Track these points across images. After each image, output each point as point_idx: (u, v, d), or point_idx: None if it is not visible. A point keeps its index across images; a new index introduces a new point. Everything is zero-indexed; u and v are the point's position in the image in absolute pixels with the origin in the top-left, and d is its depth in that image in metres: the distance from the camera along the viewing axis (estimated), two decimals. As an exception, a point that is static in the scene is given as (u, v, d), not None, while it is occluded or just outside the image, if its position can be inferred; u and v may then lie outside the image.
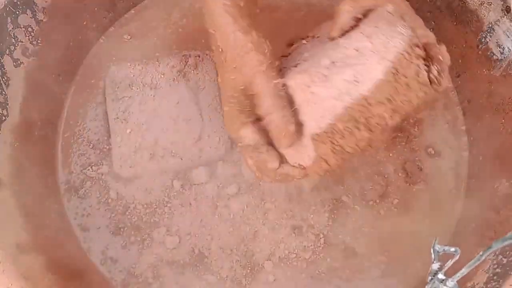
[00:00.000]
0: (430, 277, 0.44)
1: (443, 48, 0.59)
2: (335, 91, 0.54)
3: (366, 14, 0.58)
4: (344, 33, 0.58)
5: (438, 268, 0.43)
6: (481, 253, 0.40)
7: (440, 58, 0.57)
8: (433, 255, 0.44)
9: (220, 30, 0.55)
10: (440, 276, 0.43)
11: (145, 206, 0.73)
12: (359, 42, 0.55)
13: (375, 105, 0.54)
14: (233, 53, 0.55)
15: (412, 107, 0.56)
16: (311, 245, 0.71)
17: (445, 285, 0.42)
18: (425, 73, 0.55)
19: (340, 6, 0.58)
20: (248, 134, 0.58)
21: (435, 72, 0.57)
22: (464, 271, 0.41)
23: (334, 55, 0.56)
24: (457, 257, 0.42)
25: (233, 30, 0.54)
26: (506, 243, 0.40)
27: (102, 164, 0.75)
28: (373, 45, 0.54)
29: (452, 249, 0.43)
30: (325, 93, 0.55)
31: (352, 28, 0.58)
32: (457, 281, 0.42)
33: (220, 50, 0.56)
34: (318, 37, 0.64)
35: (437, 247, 0.44)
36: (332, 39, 0.59)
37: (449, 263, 0.43)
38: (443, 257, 0.44)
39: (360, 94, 0.53)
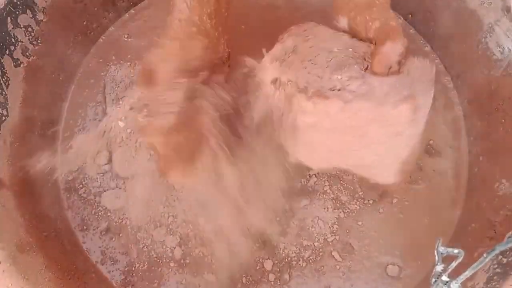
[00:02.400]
0: (433, 279, 0.44)
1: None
2: None
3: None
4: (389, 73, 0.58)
5: (442, 270, 0.43)
6: (484, 255, 0.40)
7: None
8: (436, 257, 0.44)
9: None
10: (444, 278, 0.43)
11: (145, 205, 0.73)
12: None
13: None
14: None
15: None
16: (311, 244, 0.71)
17: (448, 287, 0.42)
18: None
19: (394, 44, 0.56)
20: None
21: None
22: (468, 273, 0.41)
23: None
24: (460, 259, 0.42)
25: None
26: (509, 245, 0.40)
27: (102, 164, 0.75)
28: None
29: (456, 250, 0.43)
30: None
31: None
32: (462, 282, 0.42)
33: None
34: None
35: (441, 248, 0.44)
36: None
37: (453, 264, 0.43)
38: (445, 259, 0.44)
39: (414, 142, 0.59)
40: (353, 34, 0.61)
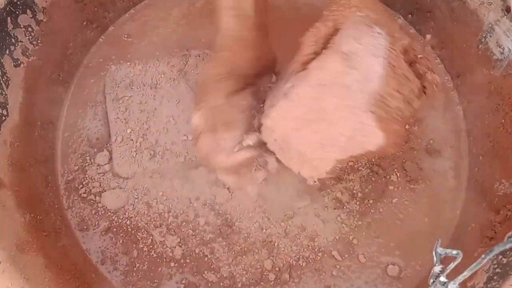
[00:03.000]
0: (432, 280, 0.44)
1: (417, 46, 0.59)
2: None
3: (334, 32, 0.58)
4: (310, 60, 0.58)
5: (440, 271, 0.43)
6: (483, 256, 0.40)
7: (420, 56, 0.58)
8: (435, 258, 0.44)
9: None
10: (442, 279, 0.43)
11: (145, 205, 0.73)
12: (348, 45, 0.55)
13: (389, 98, 0.55)
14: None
15: (417, 96, 0.57)
16: (311, 244, 0.71)
17: (446, 288, 0.42)
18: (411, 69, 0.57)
19: (302, 39, 0.59)
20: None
21: (423, 68, 0.57)
22: (466, 274, 0.41)
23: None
24: (459, 260, 0.42)
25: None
26: (508, 246, 0.40)
27: (102, 164, 0.75)
28: (362, 45, 0.55)
29: (454, 251, 0.43)
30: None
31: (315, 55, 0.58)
32: (460, 283, 0.42)
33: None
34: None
35: (439, 249, 0.44)
36: (302, 69, 0.58)
37: (451, 265, 0.43)
38: (444, 259, 0.44)
39: (372, 88, 0.54)
40: None
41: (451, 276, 0.43)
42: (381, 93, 0.54)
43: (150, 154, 0.74)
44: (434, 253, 0.45)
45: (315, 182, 0.63)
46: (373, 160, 0.75)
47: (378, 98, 0.54)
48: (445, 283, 0.43)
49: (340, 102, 0.54)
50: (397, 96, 0.55)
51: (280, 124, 0.57)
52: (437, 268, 0.44)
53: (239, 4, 0.60)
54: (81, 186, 0.74)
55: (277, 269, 0.70)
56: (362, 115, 0.54)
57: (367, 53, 0.54)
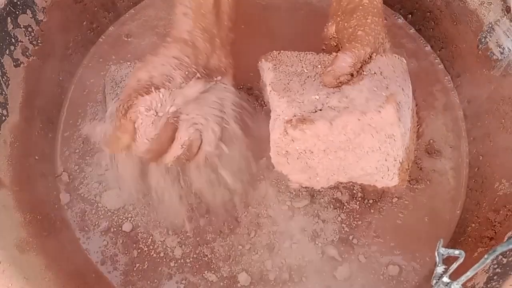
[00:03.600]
0: (434, 281, 0.44)
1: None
2: None
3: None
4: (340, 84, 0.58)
5: (443, 271, 0.43)
6: (486, 256, 0.40)
7: None
8: (437, 258, 0.44)
9: None
10: (445, 279, 0.43)
11: (145, 205, 0.73)
12: (400, 96, 0.56)
13: (410, 150, 0.61)
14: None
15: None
16: (311, 244, 0.71)
17: (449, 288, 0.42)
18: None
19: (343, 56, 0.56)
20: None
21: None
22: (469, 274, 0.41)
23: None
24: (461, 260, 0.42)
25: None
26: (510, 246, 0.40)
27: (102, 164, 0.75)
28: (405, 97, 0.57)
29: (457, 252, 0.43)
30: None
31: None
32: (463, 283, 0.42)
33: None
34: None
35: (442, 250, 0.44)
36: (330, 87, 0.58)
37: (454, 266, 0.43)
38: (446, 260, 0.44)
39: (406, 141, 0.58)
40: (339, 41, 0.61)
41: (453, 276, 0.43)
42: (408, 147, 0.58)
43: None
44: (436, 253, 0.45)
45: (303, 188, 0.64)
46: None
47: (406, 151, 0.57)
48: (448, 283, 0.43)
49: (379, 146, 0.56)
50: (412, 148, 0.60)
51: (311, 141, 0.56)
52: (439, 269, 0.44)
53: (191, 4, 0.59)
54: (81, 186, 0.74)
55: (277, 269, 0.70)
56: (391, 162, 0.57)
57: (406, 105, 0.57)
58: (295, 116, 0.55)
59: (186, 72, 0.57)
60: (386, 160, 0.56)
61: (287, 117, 0.56)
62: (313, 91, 0.57)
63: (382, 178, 0.57)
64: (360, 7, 0.58)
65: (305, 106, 0.56)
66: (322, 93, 0.57)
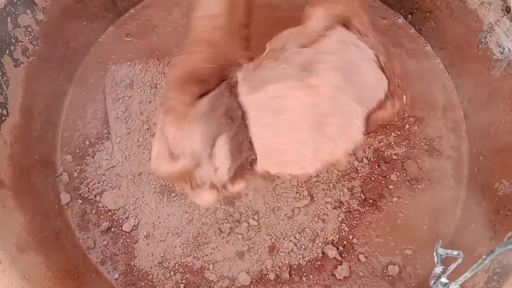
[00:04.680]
0: (433, 281, 0.44)
1: (396, 64, 0.59)
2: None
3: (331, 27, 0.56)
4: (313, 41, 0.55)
5: (441, 271, 0.43)
6: (484, 257, 0.40)
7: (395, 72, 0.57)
8: (436, 259, 0.44)
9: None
10: (443, 280, 0.43)
11: (146, 205, 0.73)
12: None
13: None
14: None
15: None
16: (311, 244, 0.71)
17: (448, 289, 0.42)
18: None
19: (312, 11, 0.55)
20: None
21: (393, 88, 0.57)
22: (467, 275, 0.41)
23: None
24: (460, 261, 0.42)
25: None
26: (509, 247, 0.40)
27: (102, 164, 0.75)
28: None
29: (455, 252, 0.43)
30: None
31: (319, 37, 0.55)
32: (461, 284, 0.42)
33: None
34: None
35: (440, 250, 0.44)
36: (304, 46, 0.55)
37: (452, 266, 0.43)
38: (444, 260, 0.44)
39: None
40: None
41: (452, 277, 0.43)
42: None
43: (150, 154, 0.74)
44: (435, 253, 0.45)
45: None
46: (374, 159, 0.75)
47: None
48: (446, 283, 0.43)
49: (359, 53, 0.54)
50: None
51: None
52: (438, 269, 0.44)
53: (207, 5, 0.59)
54: (81, 186, 0.74)
55: (277, 268, 0.70)
56: (374, 62, 0.54)
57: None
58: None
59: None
60: (371, 62, 0.54)
61: None
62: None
63: (379, 81, 0.54)
64: None
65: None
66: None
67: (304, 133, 0.50)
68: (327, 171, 0.74)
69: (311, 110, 0.49)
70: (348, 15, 0.56)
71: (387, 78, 0.55)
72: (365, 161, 0.75)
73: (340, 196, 0.73)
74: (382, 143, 0.76)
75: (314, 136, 0.51)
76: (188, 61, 0.57)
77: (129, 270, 0.70)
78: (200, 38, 0.58)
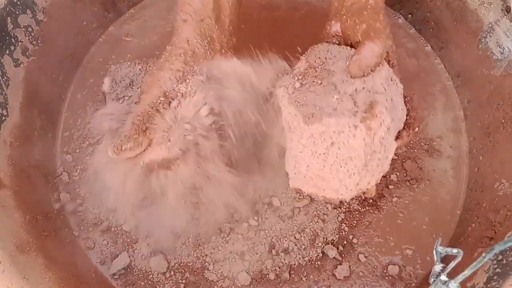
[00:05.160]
0: (432, 279, 0.44)
1: (414, 96, 0.61)
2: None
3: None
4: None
5: (441, 269, 0.43)
6: (483, 255, 0.40)
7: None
8: (435, 257, 0.44)
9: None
10: (443, 277, 0.43)
11: (146, 205, 0.73)
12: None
13: None
14: None
15: None
16: (311, 243, 0.71)
17: (447, 287, 0.42)
18: None
19: (368, 43, 0.55)
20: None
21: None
22: (466, 272, 0.41)
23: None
24: (459, 259, 0.42)
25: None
26: (508, 245, 0.40)
27: (102, 164, 0.75)
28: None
29: (455, 250, 0.43)
30: None
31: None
32: (461, 282, 0.42)
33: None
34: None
35: (440, 248, 0.44)
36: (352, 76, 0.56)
37: (452, 264, 0.43)
38: (444, 259, 0.44)
39: None
40: (344, 38, 0.60)
41: (452, 275, 0.43)
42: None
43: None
44: (434, 252, 0.45)
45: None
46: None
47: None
48: (446, 282, 0.43)
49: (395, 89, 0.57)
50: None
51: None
52: (437, 267, 0.44)
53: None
54: (81, 186, 0.74)
55: (277, 268, 0.70)
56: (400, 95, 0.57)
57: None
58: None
59: (188, 82, 0.59)
60: (401, 97, 0.57)
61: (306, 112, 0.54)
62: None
63: (404, 116, 0.57)
64: (368, 7, 0.57)
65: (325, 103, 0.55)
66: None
67: (355, 169, 0.54)
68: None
69: (365, 148, 0.53)
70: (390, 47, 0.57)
71: (407, 109, 0.58)
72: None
73: (340, 196, 0.73)
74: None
75: (361, 171, 0.55)
76: (160, 83, 0.58)
77: (129, 270, 0.70)
78: (181, 47, 0.60)
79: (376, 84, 0.55)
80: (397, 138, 0.57)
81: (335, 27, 0.61)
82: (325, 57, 0.58)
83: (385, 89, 0.54)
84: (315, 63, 0.57)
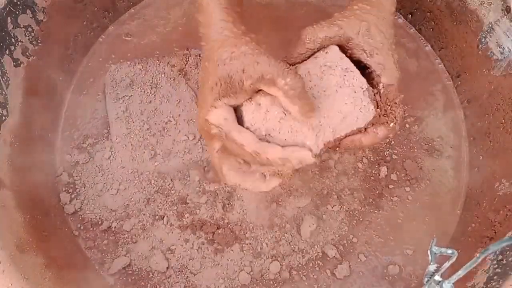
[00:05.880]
0: (426, 279, 0.44)
1: (392, 88, 0.58)
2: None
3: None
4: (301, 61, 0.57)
5: (435, 270, 0.43)
6: (477, 255, 0.40)
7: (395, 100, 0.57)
8: (430, 257, 0.44)
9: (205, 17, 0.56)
10: (437, 278, 0.43)
11: (146, 205, 0.73)
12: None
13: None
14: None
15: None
16: (311, 243, 0.71)
17: (441, 287, 0.42)
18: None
19: (305, 34, 0.56)
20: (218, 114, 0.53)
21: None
22: (460, 273, 0.41)
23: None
24: (453, 259, 0.42)
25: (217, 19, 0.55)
26: (503, 245, 0.40)
27: (102, 164, 0.75)
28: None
29: (449, 251, 0.43)
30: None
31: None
32: (454, 282, 0.42)
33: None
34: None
35: (434, 248, 0.44)
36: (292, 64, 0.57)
37: (446, 264, 0.43)
38: (440, 259, 0.44)
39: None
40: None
41: (447, 276, 0.43)
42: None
43: (151, 154, 0.74)
44: (429, 252, 0.45)
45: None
46: (373, 159, 0.75)
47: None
48: (439, 282, 0.43)
49: (342, 80, 0.55)
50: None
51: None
52: (432, 267, 0.44)
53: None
54: (81, 186, 0.74)
55: (277, 268, 0.70)
56: (360, 92, 0.55)
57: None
58: None
59: None
60: (355, 92, 0.54)
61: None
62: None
63: (361, 111, 0.55)
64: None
65: None
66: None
67: None
68: (326, 171, 0.74)
69: None
70: (352, 33, 0.55)
71: (377, 106, 0.56)
72: (365, 160, 0.75)
73: (340, 195, 0.73)
74: (382, 143, 0.76)
75: None
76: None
77: (129, 270, 0.70)
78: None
79: (300, 70, 0.55)
80: (359, 132, 0.55)
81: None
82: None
83: (310, 75, 0.54)
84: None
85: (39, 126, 0.74)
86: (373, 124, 0.56)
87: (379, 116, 0.56)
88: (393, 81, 0.55)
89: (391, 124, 0.55)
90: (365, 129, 0.56)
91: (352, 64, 0.56)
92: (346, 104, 0.54)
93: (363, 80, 0.55)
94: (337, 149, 0.58)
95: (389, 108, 0.56)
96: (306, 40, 0.56)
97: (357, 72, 0.55)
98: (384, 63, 0.55)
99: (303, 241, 0.71)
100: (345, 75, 0.55)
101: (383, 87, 0.56)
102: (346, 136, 0.55)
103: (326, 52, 0.56)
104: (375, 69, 0.56)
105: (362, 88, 0.55)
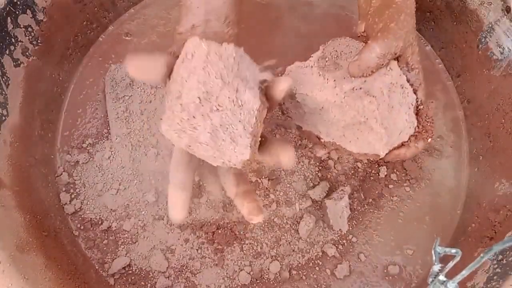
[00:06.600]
0: (431, 279, 0.44)
1: (431, 105, 0.59)
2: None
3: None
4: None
5: (439, 270, 0.43)
6: (482, 255, 0.40)
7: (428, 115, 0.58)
8: (434, 257, 0.44)
9: None
10: (441, 278, 0.43)
11: (146, 205, 0.73)
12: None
13: None
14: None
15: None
16: (311, 243, 0.71)
17: (446, 287, 0.42)
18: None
19: (371, 42, 0.54)
20: None
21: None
22: (465, 273, 0.41)
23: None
24: (458, 259, 0.42)
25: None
26: (507, 245, 0.40)
27: (102, 164, 0.75)
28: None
29: (453, 250, 0.43)
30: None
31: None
32: (459, 282, 0.42)
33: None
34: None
35: (438, 248, 0.44)
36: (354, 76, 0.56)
37: (450, 264, 0.43)
38: (443, 259, 0.44)
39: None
40: (366, 38, 0.59)
41: (450, 275, 0.43)
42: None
43: (151, 154, 0.74)
44: (433, 252, 0.45)
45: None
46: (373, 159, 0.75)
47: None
48: (444, 281, 0.43)
49: (402, 97, 0.56)
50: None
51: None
52: (436, 267, 0.44)
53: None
54: (81, 186, 0.74)
55: (277, 267, 0.70)
56: (412, 108, 0.57)
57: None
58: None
59: None
60: (409, 108, 0.56)
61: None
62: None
63: (410, 127, 0.56)
64: (394, 5, 0.56)
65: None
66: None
67: None
68: (327, 170, 0.74)
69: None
70: (403, 50, 0.55)
71: (418, 121, 0.57)
72: (365, 160, 0.75)
73: (340, 195, 0.73)
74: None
75: None
76: None
77: (129, 270, 0.70)
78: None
79: (373, 87, 0.54)
80: (402, 146, 0.57)
81: (361, 27, 0.60)
82: (341, 51, 0.58)
83: (383, 94, 0.54)
84: (329, 54, 0.58)
85: (39, 126, 0.74)
86: (415, 138, 0.57)
87: (420, 131, 0.57)
88: (424, 96, 0.57)
89: (429, 140, 0.57)
90: (406, 143, 0.57)
91: (406, 81, 0.57)
92: (406, 120, 0.56)
93: (414, 96, 0.57)
94: (380, 160, 0.59)
95: (428, 124, 0.57)
96: (379, 55, 0.53)
97: (410, 89, 0.57)
98: (421, 79, 0.57)
99: (303, 241, 0.71)
100: (403, 92, 0.56)
101: (421, 103, 0.57)
102: (393, 149, 0.57)
103: (390, 69, 0.56)
104: (413, 83, 0.57)
105: (413, 104, 0.57)
